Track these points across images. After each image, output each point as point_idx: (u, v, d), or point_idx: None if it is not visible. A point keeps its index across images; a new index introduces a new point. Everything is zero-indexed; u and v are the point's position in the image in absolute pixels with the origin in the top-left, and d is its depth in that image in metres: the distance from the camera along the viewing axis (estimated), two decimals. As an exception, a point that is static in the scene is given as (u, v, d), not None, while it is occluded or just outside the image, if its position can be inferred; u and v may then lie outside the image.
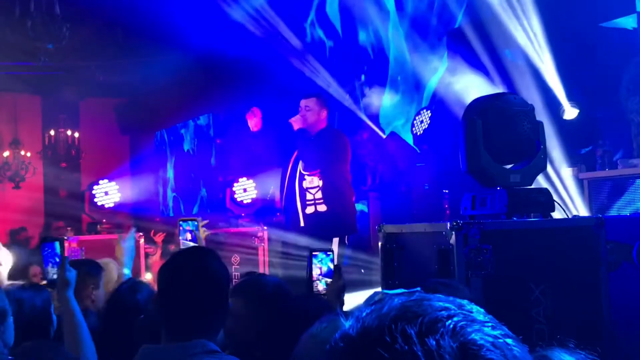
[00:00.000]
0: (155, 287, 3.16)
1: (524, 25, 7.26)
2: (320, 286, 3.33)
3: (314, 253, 3.37)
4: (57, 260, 3.20)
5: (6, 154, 13.53)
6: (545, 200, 3.64)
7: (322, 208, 6.48)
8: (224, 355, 2.26)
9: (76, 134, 13.71)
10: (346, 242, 6.54)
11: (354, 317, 0.85)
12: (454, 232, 3.21)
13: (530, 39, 7.23)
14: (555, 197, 3.76)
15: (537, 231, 3.47)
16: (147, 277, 7.39)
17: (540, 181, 5.39)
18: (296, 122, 6.52)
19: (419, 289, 0.87)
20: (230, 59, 10.31)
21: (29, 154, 13.63)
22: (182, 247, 3.46)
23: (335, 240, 6.35)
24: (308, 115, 6.49)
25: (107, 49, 11.58)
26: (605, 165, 6.49)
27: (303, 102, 6.56)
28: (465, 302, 0.84)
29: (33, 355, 2.34)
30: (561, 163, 6.65)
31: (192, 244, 3.40)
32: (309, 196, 6.53)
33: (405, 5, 9.43)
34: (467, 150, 3.63)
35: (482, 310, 0.84)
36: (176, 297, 2.28)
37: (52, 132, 13.63)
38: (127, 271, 3.77)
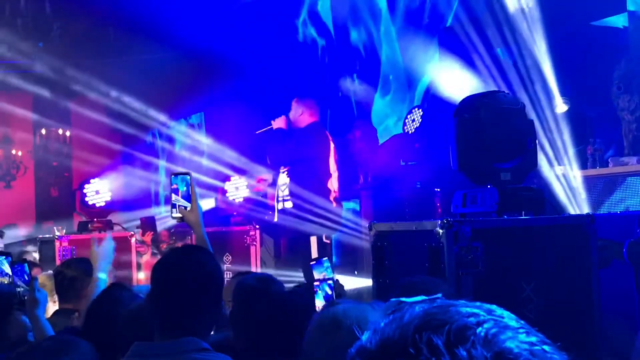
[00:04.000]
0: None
1: (516, 23, 7.27)
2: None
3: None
4: (27, 279, 3.19)
5: (-3, 152, 13.48)
6: (535, 198, 3.65)
7: (288, 205, 6.72)
8: (215, 353, 2.26)
9: (67, 133, 13.66)
10: (325, 240, 6.70)
11: (370, 330, 0.76)
12: (444, 230, 3.21)
13: (523, 36, 7.24)
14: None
15: (528, 229, 3.48)
16: (140, 276, 7.37)
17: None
18: (275, 123, 6.86)
19: (440, 295, 0.79)
20: (224, 58, 10.28)
21: (20, 153, 13.58)
22: (172, 204, 3.07)
23: (313, 239, 6.52)
24: (290, 115, 6.86)
25: (98, 48, 11.55)
26: (597, 164, 6.50)
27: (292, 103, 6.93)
28: (493, 307, 0.76)
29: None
30: (552, 161, 6.67)
31: (184, 202, 3.04)
32: (280, 193, 6.81)
33: (397, 3, 9.43)
34: (458, 148, 3.64)
35: (513, 315, 0.76)
36: (169, 294, 2.28)
37: (43, 131, 13.58)
38: (103, 276, 3.54)
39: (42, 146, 13.62)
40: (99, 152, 13.08)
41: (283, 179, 6.80)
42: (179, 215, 3.03)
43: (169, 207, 3.14)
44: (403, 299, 0.79)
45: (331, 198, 6.79)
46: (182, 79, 11.47)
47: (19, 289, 3.21)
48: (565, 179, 6.42)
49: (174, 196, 3.03)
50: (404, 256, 3.66)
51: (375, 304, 1.84)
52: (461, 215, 3.62)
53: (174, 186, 3.04)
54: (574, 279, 3.44)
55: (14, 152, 13.56)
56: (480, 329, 0.71)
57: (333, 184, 6.84)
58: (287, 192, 6.73)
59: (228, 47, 10.03)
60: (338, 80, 9.87)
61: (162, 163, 14.12)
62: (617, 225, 4.22)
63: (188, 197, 3.04)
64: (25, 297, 3.07)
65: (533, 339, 0.73)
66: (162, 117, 12.74)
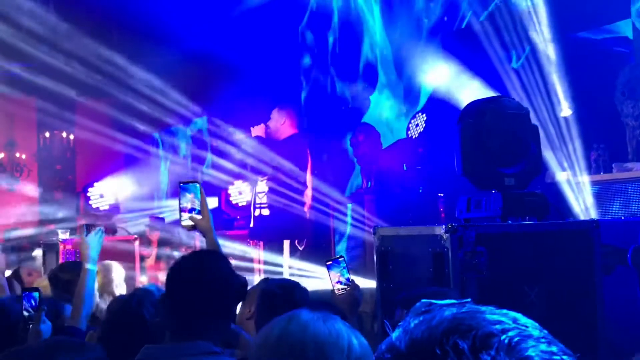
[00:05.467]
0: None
1: (521, 28, 7.28)
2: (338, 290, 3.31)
3: (328, 263, 3.33)
4: (34, 304, 3.19)
5: (1, 155, 13.49)
6: (540, 203, 3.65)
7: (265, 212, 6.96)
8: (224, 356, 2.26)
9: (71, 136, 13.68)
10: (298, 246, 6.89)
11: (401, 328, 0.80)
12: (449, 235, 3.21)
13: (527, 41, 7.25)
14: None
15: (532, 234, 3.48)
16: (142, 279, 7.37)
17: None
18: (255, 130, 7.10)
19: (469, 300, 0.82)
20: (227, 61, 10.30)
21: (24, 156, 13.60)
22: (181, 214, 3.05)
23: (286, 242, 6.69)
24: (270, 124, 7.06)
25: (101, 50, 11.56)
26: (600, 169, 6.49)
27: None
28: (519, 315, 0.80)
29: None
30: (557, 166, 6.67)
31: (196, 206, 3.03)
32: (257, 199, 7.05)
33: (401, 7, 9.43)
34: (463, 153, 3.64)
35: (537, 325, 0.79)
36: (183, 298, 2.29)
37: (47, 134, 13.60)
38: (93, 267, 3.58)
39: (45, 149, 13.64)
40: (102, 155, 13.11)
41: (262, 186, 6.99)
42: (190, 222, 3.03)
43: (173, 209, 3.16)
44: (433, 301, 0.82)
45: (305, 209, 7.03)
46: (186, 81, 11.49)
47: (25, 314, 3.20)
48: (570, 184, 6.42)
49: (184, 203, 3.03)
50: (408, 261, 3.66)
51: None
52: (465, 220, 3.62)
53: (185, 194, 3.04)
54: (578, 284, 3.44)
55: (17, 155, 13.58)
56: (504, 336, 0.75)
57: (308, 195, 7.06)
58: (265, 199, 6.92)
59: (230, 51, 10.04)
60: (340, 84, 9.88)
61: (165, 166, 14.14)
62: (621, 231, 4.21)
63: (199, 204, 3.05)
64: (30, 325, 3.06)
65: (554, 348, 0.76)
66: (166, 120, 12.77)
